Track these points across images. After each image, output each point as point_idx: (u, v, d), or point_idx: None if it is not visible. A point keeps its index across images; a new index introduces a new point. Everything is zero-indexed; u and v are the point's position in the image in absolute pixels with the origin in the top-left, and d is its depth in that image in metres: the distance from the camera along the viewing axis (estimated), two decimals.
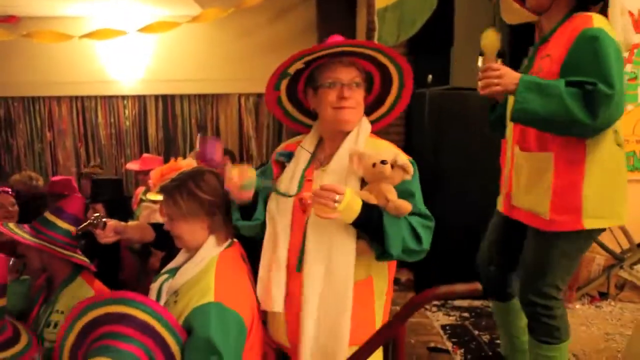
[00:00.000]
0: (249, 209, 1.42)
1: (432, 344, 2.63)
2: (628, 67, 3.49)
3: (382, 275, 1.42)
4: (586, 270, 3.29)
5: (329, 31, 5.35)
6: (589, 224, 1.65)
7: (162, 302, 1.42)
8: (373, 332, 1.39)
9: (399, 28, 3.01)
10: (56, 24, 5.56)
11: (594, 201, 1.64)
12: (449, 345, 2.65)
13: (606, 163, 1.65)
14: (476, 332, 2.81)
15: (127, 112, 6.21)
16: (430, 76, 3.23)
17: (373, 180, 1.32)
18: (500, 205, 1.93)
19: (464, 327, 2.89)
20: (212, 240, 1.44)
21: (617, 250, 3.31)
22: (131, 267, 2.80)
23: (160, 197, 1.59)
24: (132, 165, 4.25)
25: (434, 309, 3.14)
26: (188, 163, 3.15)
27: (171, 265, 1.51)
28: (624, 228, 3.32)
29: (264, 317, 1.48)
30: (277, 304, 1.37)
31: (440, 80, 3.28)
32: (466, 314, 3.06)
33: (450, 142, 3.15)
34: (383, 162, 1.28)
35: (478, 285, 1.28)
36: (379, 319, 1.42)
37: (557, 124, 1.55)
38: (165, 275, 1.47)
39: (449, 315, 3.05)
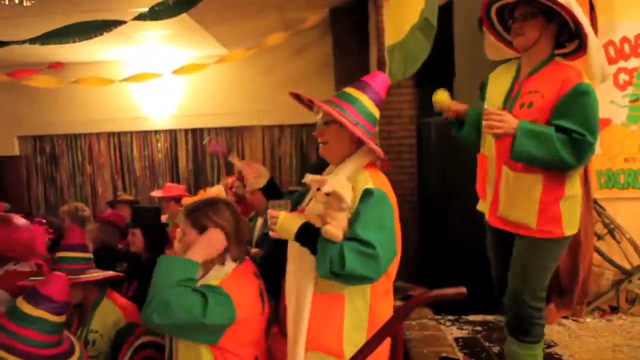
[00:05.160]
0: None
1: (444, 354, 2.80)
2: (630, 90, 3.66)
3: (359, 296, 1.53)
4: (595, 284, 3.41)
5: (344, 65, 5.68)
6: (567, 231, 2.01)
7: None
8: (336, 344, 1.52)
9: (405, 64, 3.29)
10: (96, 68, 6.10)
11: (568, 214, 2.01)
12: (460, 355, 2.81)
13: (575, 184, 2.02)
14: (487, 344, 2.96)
15: (159, 145, 6.66)
16: None
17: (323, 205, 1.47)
18: (487, 214, 2.21)
19: (476, 340, 3.04)
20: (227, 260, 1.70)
21: (627, 265, 3.41)
22: None
23: None
24: (156, 193, 4.57)
25: (448, 323, 3.30)
26: (216, 192, 3.44)
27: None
28: (635, 244, 3.43)
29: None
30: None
31: None
32: (479, 328, 3.21)
33: (456, 166, 3.36)
34: (318, 189, 1.45)
35: (463, 289, 1.50)
36: (350, 335, 1.53)
37: (548, 163, 1.89)
38: None
39: (462, 329, 3.21)
